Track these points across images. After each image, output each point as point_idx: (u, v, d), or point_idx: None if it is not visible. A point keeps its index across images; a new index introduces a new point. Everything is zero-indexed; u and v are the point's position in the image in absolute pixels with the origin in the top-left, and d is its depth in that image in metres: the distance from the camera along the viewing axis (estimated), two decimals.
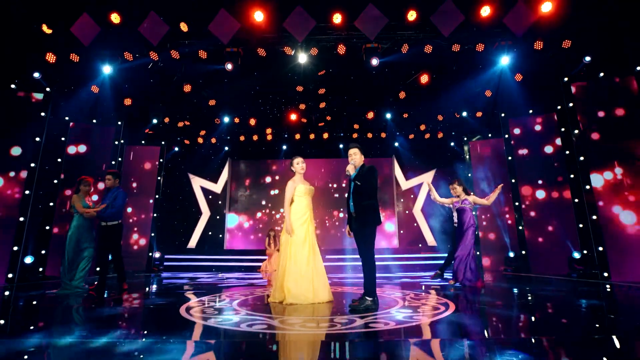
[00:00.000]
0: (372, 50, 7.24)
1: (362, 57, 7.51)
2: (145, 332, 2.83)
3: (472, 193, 5.82)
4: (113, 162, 8.14)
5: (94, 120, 8.23)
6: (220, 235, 11.26)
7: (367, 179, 3.67)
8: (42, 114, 6.74)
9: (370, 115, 9.95)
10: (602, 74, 6.36)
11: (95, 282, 5.12)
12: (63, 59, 7.13)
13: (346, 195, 3.89)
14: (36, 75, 7.13)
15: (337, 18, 6.85)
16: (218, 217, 11.37)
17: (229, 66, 7.20)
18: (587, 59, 6.80)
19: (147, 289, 5.85)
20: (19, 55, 7.05)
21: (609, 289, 4.94)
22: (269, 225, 11.32)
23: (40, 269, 7.05)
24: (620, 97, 6.20)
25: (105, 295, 4.76)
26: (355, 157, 3.81)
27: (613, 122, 6.17)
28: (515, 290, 5.13)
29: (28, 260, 6.52)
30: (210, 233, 11.21)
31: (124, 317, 3.39)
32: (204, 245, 11.01)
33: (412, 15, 6.74)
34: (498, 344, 2.33)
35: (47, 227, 7.35)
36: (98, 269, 5.41)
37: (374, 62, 7.30)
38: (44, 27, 6.85)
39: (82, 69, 7.38)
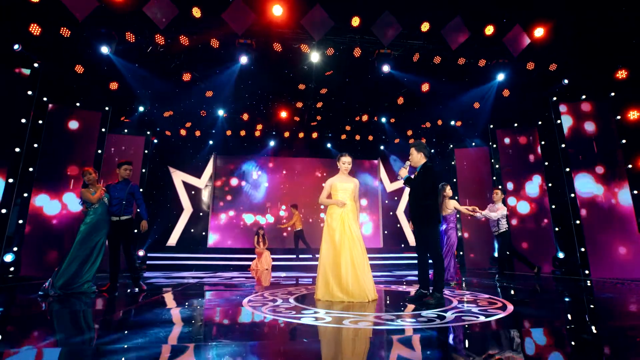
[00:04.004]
0: (385, 56, 7.46)
1: (372, 61, 7.72)
2: (268, 336, 2.59)
3: (455, 198, 6.27)
4: (100, 151, 7.40)
5: (78, 104, 7.42)
6: (204, 233, 10.74)
7: (423, 179, 3.81)
8: (29, 92, 5.93)
9: (365, 118, 10.20)
10: (584, 97, 7.25)
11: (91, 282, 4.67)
12: (50, 32, 6.35)
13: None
14: (16, 47, 6.26)
15: (356, 21, 6.98)
16: (201, 214, 10.83)
17: (244, 59, 6.95)
18: (565, 81, 7.76)
19: (165, 290, 5.44)
20: None
21: (589, 284, 5.68)
22: (254, 224, 11.05)
23: (12, 269, 6.20)
24: (598, 117, 7.14)
25: (116, 295, 4.38)
26: (412, 157, 3.95)
27: (593, 139, 7.08)
28: (532, 284, 5.67)
29: (8, 258, 5.69)
30: (192, 230, 10.64)
31: (205, 320, 3.08)
32: (185, 243, 10.41)
33: (425, 27, 7.11)
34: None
35: (21, 222, 6.49)
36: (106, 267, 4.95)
37: (386, 68, 7.53)
38: None
39: (74, 45, 6.64)
